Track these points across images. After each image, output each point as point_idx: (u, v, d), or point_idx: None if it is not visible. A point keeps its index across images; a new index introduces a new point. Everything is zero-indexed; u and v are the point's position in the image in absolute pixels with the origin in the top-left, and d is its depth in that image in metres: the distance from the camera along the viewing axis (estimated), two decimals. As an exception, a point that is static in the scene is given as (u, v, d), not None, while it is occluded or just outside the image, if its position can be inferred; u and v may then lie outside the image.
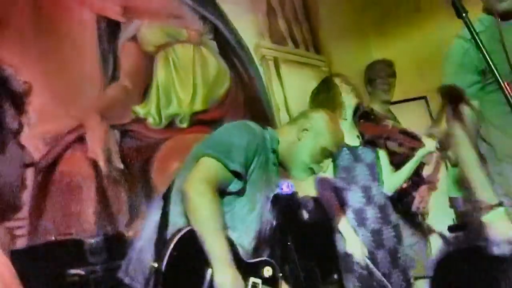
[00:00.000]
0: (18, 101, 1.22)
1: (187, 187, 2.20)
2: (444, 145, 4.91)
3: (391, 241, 3.44)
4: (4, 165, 1.20)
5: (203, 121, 4.76)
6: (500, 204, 2.43)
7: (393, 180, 3.61)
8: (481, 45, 1.89)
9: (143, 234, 2.38)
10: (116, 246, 3.39)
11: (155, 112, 4.46)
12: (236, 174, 2.30)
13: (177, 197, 2.30)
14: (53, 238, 3.52)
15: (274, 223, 2.56)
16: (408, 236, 4.13)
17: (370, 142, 3.44)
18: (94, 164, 3.92)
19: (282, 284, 2.49)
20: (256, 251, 2.44)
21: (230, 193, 2.33)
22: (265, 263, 2.39)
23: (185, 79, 4.80)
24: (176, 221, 2.26)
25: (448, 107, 2.43)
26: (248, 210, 2.37)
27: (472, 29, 1.91)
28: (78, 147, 3.89)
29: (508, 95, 1.86)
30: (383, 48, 6.95)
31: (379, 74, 4.41)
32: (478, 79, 2.42)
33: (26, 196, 3.46)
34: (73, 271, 3.10)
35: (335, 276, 3.58)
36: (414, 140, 3.40)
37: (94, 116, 4.03)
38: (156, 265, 2.13)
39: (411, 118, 5.17)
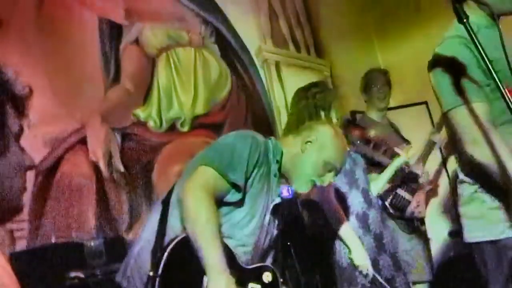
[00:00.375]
0: (19, 104, 1.23)
1: (185, 194, 2.21)
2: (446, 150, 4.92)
3: (390, 245, 3.44)
4: (6, 167, 1.20)
5: (204, 124, 4.76)
6: None
7: (377, 183, 3.63)
8: (482, 52, 1.89)
9: (142, 239, 2.38)
10: (116, 249, 3.39)
11: (156, 115, 4.46)
12: (235, 185, 2.29)
13: (176, 203, 2.30)
14: (53, 240, 3.52)
15: (275, 232, 2.57)
16: (406, 241, 4.15)
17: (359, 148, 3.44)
18: (95, 167, 3.93)
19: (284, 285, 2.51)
20: (256, 259, 2.45)
21: (228, 204, 2.33)
22: (265, 268, 2.40)
23: (186, 82, 4.81)
24: (174, 227, 2.27)
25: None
26: (247, 221, 2.37)
27: (473, 35, 1.90)
28: (79, 150, 3.89)
29: (509, 101, 1.85)
30: (385, 50, 6.96)
31: (375, 83, 4.48)
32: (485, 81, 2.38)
33: (26, 198, 3.47)
34: (73, 274, 3.09)
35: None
36: (392, 149, 3.43)
37: (95, 118, 4.03)
38: (151, 273, 2.13)
39: (412, 124, 5.18)
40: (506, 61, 2.13)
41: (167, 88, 4.64)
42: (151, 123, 4.41)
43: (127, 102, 4.33)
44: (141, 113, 4.38)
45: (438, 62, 2.41)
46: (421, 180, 4.30)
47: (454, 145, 2.53)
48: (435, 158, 5.74)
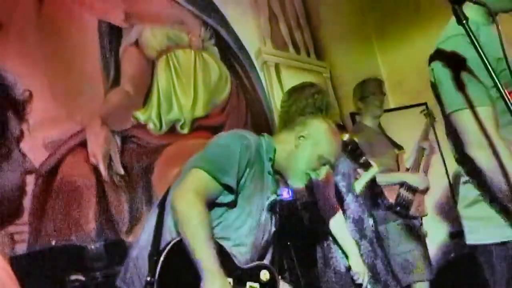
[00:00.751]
0: (20, 108, 1.23)
1: (176, 198, 2.22)
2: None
3: (381, 250, 3.43)
4: (9, 172, 1.21)
5: (204, 126, 4.76)
6: None
7: (357, 187, 3.63)
8: (482, 54, 1.88)
9: (139, 242, 2.38)
10: (117, 252, 3.39)
11: (156, 118, 4.46)
12: (227, 187, 2.29)
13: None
14: (53, 243, 3.52)
15: (273, 229, 2.56)
16: (406, 241, 4.21)
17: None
18: (95, 170, 3.93)
19: (282, 285, 2.51)
20: (254, 257, 2.45)
21: (221, 205, 2.33)
22: (262, 267, 2.41)
23: (186, 84, 4.81)
24: (170, 229, 2.27)
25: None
26: (241, 221, 2.37)
27: (473, 37, 1.90)
28: (79, 152, 3.89)
29: (509, 102, 1.85)
30: (384, 51, 6.97)
31: (372, 91, 4.59)
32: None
33: (27, 202, 3.46)
34: (73, 277, 3.10)
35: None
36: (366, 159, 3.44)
37: (95, 121, 4.03)
38: (149, 278, 2.13)
39: (411, 125, 5.18)
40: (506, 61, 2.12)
41: (167, 91, 4.64)
42: (151, 126, 4.41)
43: (127, 104, 4.33)
44: (141, 115, 4.38)
45: (439, 56, 2.38)
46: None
47: (456, 147, 2.50)
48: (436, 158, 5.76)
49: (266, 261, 2.56)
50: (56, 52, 3.98)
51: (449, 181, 5.97)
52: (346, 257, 3.20)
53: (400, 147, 4.67)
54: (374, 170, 3.47)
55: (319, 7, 6.60)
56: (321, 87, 3.57)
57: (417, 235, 4.33)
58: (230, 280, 2.23)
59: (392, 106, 6.45)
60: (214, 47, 5.20)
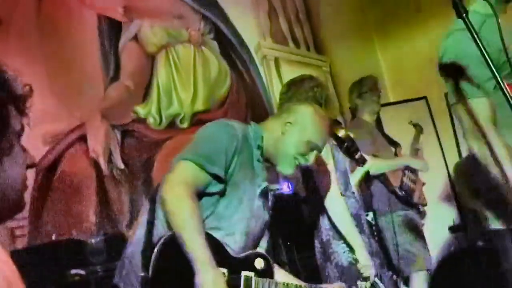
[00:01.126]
0: (20, 103, 1.23)
1: (165, 191, 2.21)
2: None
3: (375, 246, 3.43)
4: (10, 166, 1.21)
5: (204, 121, 4.71)
6: None
7: (352, 181, 3.62)
8: (482, 47, 1.89)
9: (134, 239, 2.37)
10: (117, 246, 3.37)
11: (156, 112, 4.46)
12: (216, 176, 2.29)
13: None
14: (53, 238, 3.53)
15: (267, 217, 2.57)
16: (407, 233, 4.26)
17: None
18: (95, 164, 3.93)
19: (278, 271, 2.50)
20: (249, 246, 2.44)
21: (210, 194, 2.33)
22: (257, 255, 2.40)
23: (186, 79, 4.80)
24: (162, 224, 2.26)
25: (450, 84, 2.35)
26: (232, 210, 2.37)
27: (473, 30, 1.90)
28: (79, 147, 3.89)
29: (508, 96, 1.85)
30: (384, 46, 6.96)
31: (369, 87, 4.66)
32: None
33: (27, 196, 3.46)
34: (73, 271, 3.10)
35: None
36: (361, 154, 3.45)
37: (95, 116, 4.04)
38: (143, 274, 2.13)
39: (411, 119, 5.19)
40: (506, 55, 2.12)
41: (166, 85, 4.63)
42: (151, 120, 4.41)
43: (126, 99, 4.33)
44: (141, 110, 4.38)
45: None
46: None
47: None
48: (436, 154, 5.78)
49: (261, 249, 2.56)
50: (56, 48, 3.98)
51: (449, 175, 5.97)
52: (351, 251, 3.20)
53: (396, 144, 4.73)
54: (368, 164, 3.47)
55: (319, 2, 6.59)
56: (320, 80, 3.56)
57: (416, 226, 4.39)
58: (224, 270, 2.22)
59: (391, 100, 6.46)
60: (213, 42, 5.20)
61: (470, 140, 2.29)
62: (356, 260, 3.15)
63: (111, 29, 4.39)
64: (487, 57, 1.87)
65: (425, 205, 4.63)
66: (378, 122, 5.07)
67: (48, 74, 3.84)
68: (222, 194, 2.34)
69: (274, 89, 5.50)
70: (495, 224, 2.57)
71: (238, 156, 2.36)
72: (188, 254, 2.12)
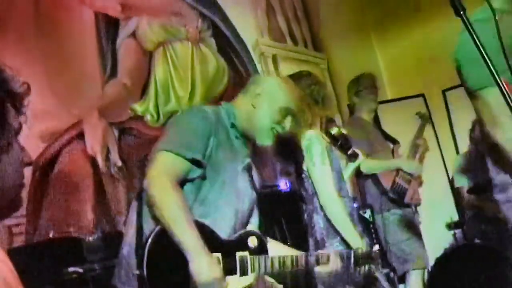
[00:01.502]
0: (18, 102, 1.24)
1: (148, 184, 2.22)
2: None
3: (366, 243, 3.41)
4: (8, 164, 1.21)
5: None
6: None
7: (345, 175, 3.62)
8: (479, 45, 1.88)
9: (128, 239, 2.37)
10: (115, 244, 3.36)
11: (153, 110, 4.46)
12: (195, 161, 2.30)
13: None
14: (51, 236, 3.52)
15: (254, 194, 2.58)
16: (402, 231, 4.27)
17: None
18: (93, 162, 3.92)
19: (271, 245, 2.52)
20: (240, 226, 2.46)
21: (192, 180, 2.34)
22: (249, 234, 2.42)
23: (184, 76, 4.80)
24: (149, 221, 2.27)
25: None
26: (217, 192, 2.37)
27: (470, 28, 1.90)
28: (77, 145, 3.88)
29: (507, 95, 1.85)
30: (382, 43, 6.97)
31: (365, 85, 4.69)
32: None
33: (24, 194, 3.46)
34: (71, 269, 3.09)
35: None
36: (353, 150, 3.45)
37: (92, 113, 4.03)
38: (138, 272, 2.14)
39: (409, 116, 5.19)
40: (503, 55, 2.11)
41: (164, 82, 4.63)
42: (148, 118, 4.40)
43: (124, 96, 4.32)
44: (138, 107, 4.37)
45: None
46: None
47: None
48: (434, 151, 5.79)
49: (252, 225, 2.56)
50: (54, 46, 3.97)
51: (447, 172, 5.99)
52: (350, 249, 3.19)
53: (395, 141, 4.73)
54: (359, 159, 3.48)
55: (318, 0, 6.59)
56: (318, 78, 3.57)
57: (412, 224, 4.40)
58: (218, 255, 2.24)
59: (389, 98, 6.47)
60: (211, 39, 5.19)
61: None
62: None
63: (109, 27, 4.38)
64: (484, 54, 1.87)
65: (418, 205, 4.63)
66: (376, 120, 5.08)
67: (46, 71, 3.83)
68: (203, 178, 2.35)
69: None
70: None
71: (214, 137, 2.37)
72: (180, 245, 2.13)
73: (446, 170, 6.01)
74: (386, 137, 4.75)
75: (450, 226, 5.33)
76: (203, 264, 2.12)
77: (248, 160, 2.57)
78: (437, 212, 5.58)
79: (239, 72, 5.32)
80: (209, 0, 5.22)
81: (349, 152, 3.29)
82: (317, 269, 2.63)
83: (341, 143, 3.20)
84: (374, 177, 4.40)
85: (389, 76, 6.74)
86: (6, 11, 3.73)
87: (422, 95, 6.15)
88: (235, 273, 2.29)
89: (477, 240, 4.62)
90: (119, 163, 4.07)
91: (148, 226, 2.25)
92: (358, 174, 4.12)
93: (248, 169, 2.57)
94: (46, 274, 3.05)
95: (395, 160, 4.56)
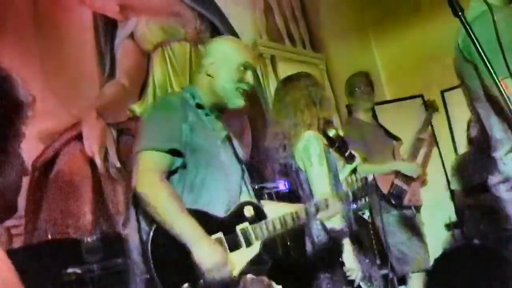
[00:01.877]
0: (22, 111, 1.24)
1: (137, 185, 2.25)
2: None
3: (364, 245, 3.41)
4: (8, 171, 1.22)
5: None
6: None
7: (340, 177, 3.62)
8: (478, 45, 1.89)
9: (133, 243, 2.38)
10: (113, 244, 3.38)
11: (152, 111, 4.45)
12: (174, 152, 2.32)
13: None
14: (49, 236, 3.52)
15: (241, 166, 2.60)
16: (402, 233, 4.24)
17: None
18: (91, 163, 3.92)
19: (268, 207, 2.53)
20: (234, 201, 2.46)
21: (176, 170, 2.36)
22: (243, 205, 2.43)
23: (182, 77, 4.79)
24: (145, 220, 2.29)
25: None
26: (203, 174, 2.39)
27: (468, 28, 1.90)
28: (75, 145, 3.88)
29: (503, 93, 1.86)
30: (381, 43, 6.96)
31: (358, 85, 4.64)
32: None
33: (23, 194, 3.46)
34: (70, 270, 3.09)
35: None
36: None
37: (91, 114, 4.02)
38: (148, 276, 2.15)
39: (408, 117, 5.20)
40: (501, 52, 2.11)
41: (162, 83, 4.62)
42: (146, 118, 4.39)
43: (122, 97, 4.32)
44: (137, 108, 4.37)
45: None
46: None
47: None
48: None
49: (245, 195, 2.56)
50: (52, 46, 3.97)
51: (445, 173, 5.98)
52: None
53: (397, 138, 4.69)
54: (356, 161, 3.47)
55: (317, 0, 6.59)
56: (317, 79, 3.56)
57: (412, 225, 4.36)
58: (219, 235, 2.26)
59: (388, 99, 6.47)
60: (210, 40, 5.19)
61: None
62: (342, 263, 3.13)
63: (107, 27, 4.38)
64: (482, 54, 1.88)
65: (419, 206, 4.59)
66: (376, 118, 5.03)
67: (44, 72, 3.83)
68: (185, 167, 2.37)
69: (270, 87, 5.50)
70: None
71: (185, 123, 2.38)
72: (179, 237, 2.15)
73: (445, 171, 6.01)
74: (388, 135, 4.70)
75: (449, 226, 5.33)
76: (204, 250, 2.14)
77: (225, 132, 2.60)
78: (436, 213, 5.58)
79: (237, 73, 5.31)
80: (208, 0, 5.22)
81: (346, 154, 3.28)
82: (319, 216, 2.64)
83: (338, 145, 3.20)
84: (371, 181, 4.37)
85: (388, 77, 6.74)
86: (5, 11, 3.73)
87: (421, 96, 6.15)
88: (241, 247, 2.31)
89: (476, 241, 4.62)
90: (118, 164, 4.06)
91: (145, 228, 2.27)
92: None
93: (227, 140, 2.60)
94: (45, 275, 3.05)
95: (392, 163, 4.51)
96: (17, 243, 3.41)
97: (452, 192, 5.64)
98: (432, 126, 5.84)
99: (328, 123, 3.41)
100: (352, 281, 3.10)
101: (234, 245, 2.29)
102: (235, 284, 2.26)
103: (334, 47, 6.50)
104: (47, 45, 3.92)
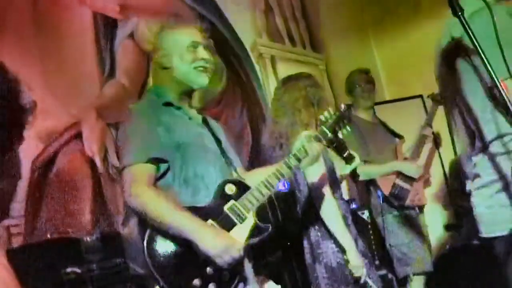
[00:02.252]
0: (24, 117, 1.25)
1: (129, 201, 2.28)
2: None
3: (361, 245, 3.40)
4: (5, 175, 1.23)
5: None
6: None
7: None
8: (477, 45, 1.89)
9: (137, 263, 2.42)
10: (113, 244, 3.39)
11: (152, 110, 4.45)
12: (157, 160, 2.36)
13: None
14: (49, 236, 3.52)
15: (215, 147, 2.61)
16: (404, 233, 4.20)
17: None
18: (91, 162, 3.92)
19: (249, 177, 2.59)
20: (223, 175, 2.51)
21: (165, 173, 2.40)
22: (223, 185, 2.44)
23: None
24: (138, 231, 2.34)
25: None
26: (193, 165, 2.43)
27: (468, 29, 1.91)
28: (75, 145, 3.88)
29: (503, 93, 1.86)
30: (380, 44, 6.96)
31: (358, 83, 4.60)
32: None
33: (23, 194, 3.46)
34: (69, 269, 3.10)
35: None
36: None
37: (90, 113, 4.02)
38: (159, 286, 2.17)
39: (407, 117, 5.19)
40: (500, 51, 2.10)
41: (162, 83, 4.61)
42: (146, 118, 4.39)
43: (122, 97, 4.32)
44: (136, 108, 4.36)
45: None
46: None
47: None
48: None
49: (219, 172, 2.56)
50: (52, 45, 3.97)
51: (444, 173, 5.99)
52: (341, 251, 3.18)
53: (400, 136, 4.64)
54: (356, 162, 3.47)
55: (317, 1, 6.59)
56: (317, 80, 3.57)
57: (415, 226, 4.32)
58: (209, 222, 2.30)
59: (387, 99, 6.47)
60: (209, 40, 5.17)
61: None
62: (347, 261, 3.14)
63: (107, 27, 4.38)
64: (482, 54, 1.88)
65: (422, 206, 4.56)
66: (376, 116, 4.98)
67: (44, 71, 3.82)
68: (171, 166, 2.40)
69: (270, 87, 5.50)
70: None
71: (159, 125, 2.42)
72: (179, 233, 2.19)
73: (444, 172, 6.01)
74: (390, 132, 4.65)
75: (449, 227, 5.33)
76: (208, 237, 2.18)
77: (200, 117, 2.65)
78: (435, 213, 5.58)
79: (237, 73, 5.32)
80: (208, 0, 5.22)
81: (344, 155, 3.28)
82: (302, 165, 2.63)
83: (336, 146, 3.20)
84: (372, 182, 4.33)
85: (388, 77, 6.74)
86: (5, 11, 3.73)
87: (421, 96, 6.14)
88: (235, 225, 2.34)
89: (475, 241, 4.61)
90: (117, 164, 4.05)
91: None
92: (354, 176, 4.08)
93: (204, 124, 2.64)
94: (44, 274, 3.06)
95: (393, 163, 4.45)
96: (17, 242, 3.40)
97: (451, 192, 5.64)
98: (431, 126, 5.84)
99: (334, 134, 3.41)
100: (358, 278, 3.12)
101: (228, 225, 2.32)
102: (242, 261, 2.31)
103: (334, 47, 6.50)
104: (47, 45, 3.92)
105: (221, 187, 2.43)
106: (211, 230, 2.23)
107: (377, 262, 3.76)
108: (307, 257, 3.29)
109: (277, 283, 3.01)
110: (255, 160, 4.66)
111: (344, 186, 3.66)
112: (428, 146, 4.70)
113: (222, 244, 2.19)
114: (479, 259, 4.29)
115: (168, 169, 2.39)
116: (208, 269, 2.21)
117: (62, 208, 3.67)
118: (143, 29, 4.62)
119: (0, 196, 1.25)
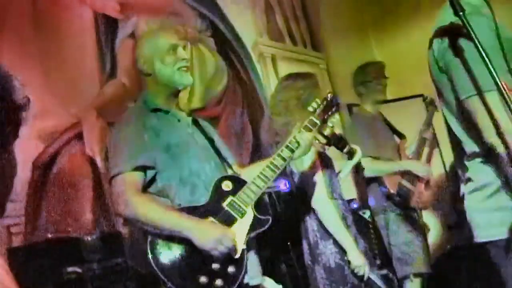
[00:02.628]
0: (17, 114, 1.24)
1: (122, 211, 2.31)
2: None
3: (361, 245, 3.38)
4: (2, 170, 1.22)
5: (201, 118, 4.74)
6: None
7: (343, 174, 3.60)
8: (479, 46, 1.88)
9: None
10: (113, 243, 3.39)
11: (152, 110, 4.45)
12: (145, 167, 2.37)
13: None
14: (49, 235, 3.52)
15: (206, 142, 2.63)
16: (405, 233, 4.18)
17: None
18: (92, 162, 3.92)
19: (245, 172, 2.62)
20: (212, 182, 2.49)
21: (154, 178, 2.41)
22: (219, 184, 2.45)
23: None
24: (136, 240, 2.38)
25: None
26: (188, 165, 2.45)
27: (470, 29, 1.90)
28: (75, 145, 3.88)
29: (505, 94, 1.85)
30: (381, 43, 6.96)
31: (373, 76, 4.47)
32: None
33: (23, 194, 3.46)
34: (70, 269, 3.09)
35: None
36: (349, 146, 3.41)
37: (91, 113, 4.02)
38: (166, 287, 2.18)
39: (408, 117, 5.18)
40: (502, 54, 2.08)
41: (162, 83, 4.61)
42: (147, 118, 4.39)
43: (123, 96, 4.32)
44: (137, 107, 4.36)
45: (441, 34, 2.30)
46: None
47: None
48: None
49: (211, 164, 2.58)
50: (52, 45, 3.97)
51: (446, 173, 5.98)
52: (340, 252, 3.17)
53: (402, 135, 4.61)
54: (358, 155, 3.46)
55: (317, 0, 6.59)
56: (316, 81, 3.54)
57: (417, 226, 4.30)
58: (210, 219, 2.32)
59: (388, 98, 6.45)
60: (210, 39, 5.19)
61: (492, 137, 2.03)
62: (348, 262, 3.14)
63: (108, 26, 4.38)
64: (484, 55, 1.87)
65: (425, 208, 4.52)
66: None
67: (45, 71, 3.83)
68: (161, 170, 2.41)
69: (271, 86, 5.50)
70: None
71: (146, 132, 2.43)
72: (175, 232, 2.22)
73: (445, 171, 6.01)
74: (392, 131, 4.62)
75: (450, 226, 5.32)
76: (203, 231, 2.21)
77: (189, 118, 2.67)
78: (436, 213, 5.58)
79: (238, 72, 5.32)
80: (209, 0, 5.22)
81: (345, 150, 3.27)
82: (295, 156, 2.64)
83: (334, 143, 3.19)
84: (378, 179, 4.29)
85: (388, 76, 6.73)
86: (5, 11, 3.73)
87: (421, 96, 6.13)
88: (236, 219, 2.37)
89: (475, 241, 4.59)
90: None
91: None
92: (358, 171, 4.04)
93: (195, 125, 2.67)
94: (45, 273, 3.05)
95: (403, 162, 4.36)
96: (17, 242, 3.40)
97: (451, 192, 5.64)
98: (432, 126, 5.83)
99: (323, 122, 3.40)
100: (362, 276, 3.12)
101: (228, 221, 2.34)
102: (242, 258, 2.31)
103: (335, 47, 6.50)
104: (47, 44, 3.92)
105: (218, 184, 2.44)
106: (206, 224, 2.26)
107: (378, 262, 3.75)
108: (306, 257, 3.29)
109: (277, 282, 3.00)
110: (256, 158, 4.65)
111: (349, 183, 3.64)
112: (428, 148, 4.66)
113: (214, 236, 2.21)
114: (478, 259, 4.29)
115: (157, 173, 2.41)
116: (214, 265, 2.23)
117: (62, 208, 3.67)
118: (144, 28, 4.62)
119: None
